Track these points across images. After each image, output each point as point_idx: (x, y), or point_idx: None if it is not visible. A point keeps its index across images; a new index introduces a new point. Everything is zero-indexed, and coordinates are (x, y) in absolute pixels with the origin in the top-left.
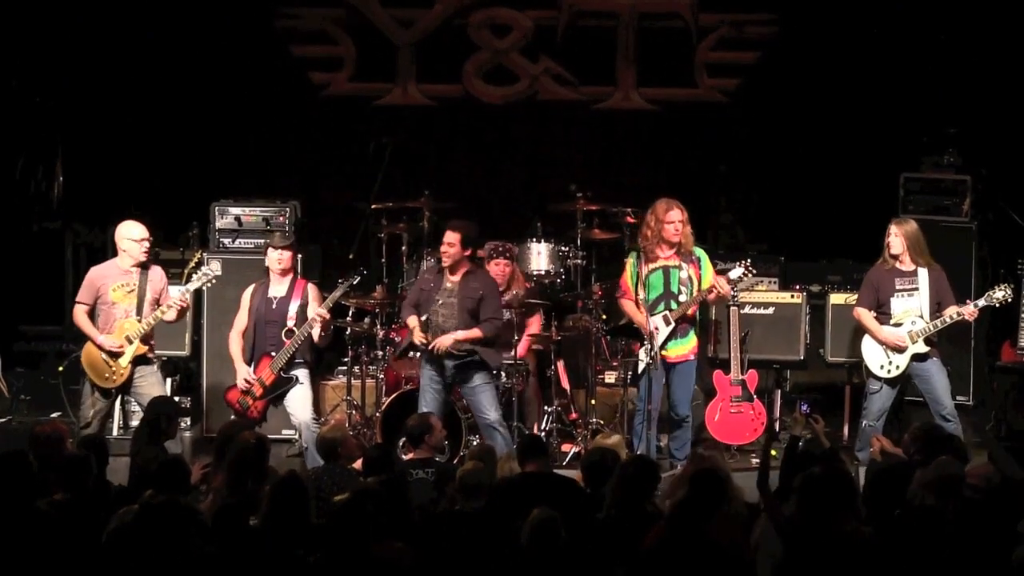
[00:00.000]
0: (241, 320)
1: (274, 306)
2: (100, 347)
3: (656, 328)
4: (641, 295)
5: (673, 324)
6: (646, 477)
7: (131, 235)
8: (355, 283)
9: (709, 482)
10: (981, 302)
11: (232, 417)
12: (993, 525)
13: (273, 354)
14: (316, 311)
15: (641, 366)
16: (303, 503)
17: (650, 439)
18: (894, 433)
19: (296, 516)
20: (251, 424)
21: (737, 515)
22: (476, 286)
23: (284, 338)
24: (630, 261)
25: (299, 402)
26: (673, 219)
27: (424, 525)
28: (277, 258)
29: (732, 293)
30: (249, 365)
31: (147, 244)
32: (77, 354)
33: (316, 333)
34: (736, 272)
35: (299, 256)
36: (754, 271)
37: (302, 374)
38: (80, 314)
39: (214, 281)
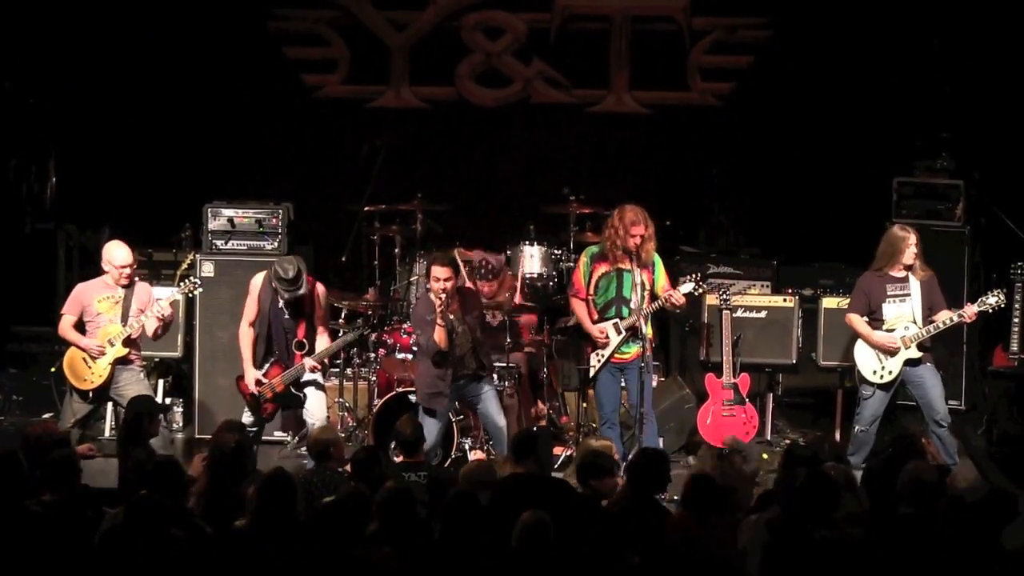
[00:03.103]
0: (250, 310)
1: (286, 316)
2: (83, 348)
3: (606, 335)
4: (591, 295)
5: (624, 333)
6: (656, 468)
7: (112, 259)
8: (358, 337)
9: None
10: (974, 307)
11: (244, 411)
12: (978, 532)
13: (284, 364)
14: (310, 363)
15: (592, 371)
16: (291, 500)
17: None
18: (886, 436)
19: (284, 513)
20: (238, 426)
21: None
22: (472, 302)
23: (295, 349)
24: (584, 259)
25: (316, 404)
26: (637, 233)
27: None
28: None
29: (723, 297)
30: (259, 366)
31: (127, 271)
32: None
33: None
34: (687, 287)
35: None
36: (704, 286)
37: (317, 375)
38: (65, 325)
39: (202, 290)
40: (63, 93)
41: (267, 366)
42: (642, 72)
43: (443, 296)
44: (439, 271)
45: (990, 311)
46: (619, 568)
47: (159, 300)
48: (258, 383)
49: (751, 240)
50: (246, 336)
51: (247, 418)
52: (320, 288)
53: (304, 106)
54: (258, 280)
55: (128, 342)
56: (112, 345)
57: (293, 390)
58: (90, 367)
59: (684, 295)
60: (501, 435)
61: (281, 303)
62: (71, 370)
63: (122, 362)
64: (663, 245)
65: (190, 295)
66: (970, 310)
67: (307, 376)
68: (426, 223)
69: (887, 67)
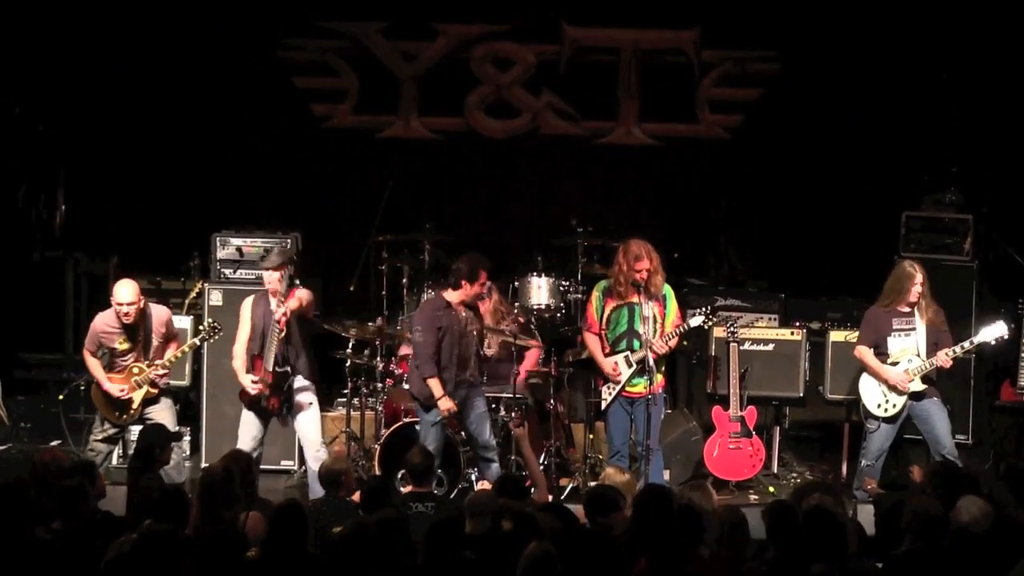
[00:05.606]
0: (244, 332)
1: (276, 319)
2: (105, 391)
3: (618, 370)
4: (603, 330)
5: (635, 365)
6: (660, 506)
7: (117, 297)
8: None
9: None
10: (978, 339)
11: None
12: (987, 564)
13: (262, 356)
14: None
15: (604, 403)
16: (302, 531)
17: (648, 473)
18: (892, 471)
19: (295, 544)
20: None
21: (716, 555)
22: (475, 315)
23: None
24: (596, 294)
25: (310, 424)
26: (641, 268)
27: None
28: (267, 279)
29: (730, 330)
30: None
31: (130, 308)
32: (78, 382)
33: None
34: (696, 320)
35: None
36: (714, 319)
37: (307, 390)
38: (88, 358)
39: (221, 334)
40: (72, 120)
41: (250, 364)
42: (651, 104)
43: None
44: (485, 275)
45: (993, 343)
46: None
47: (157, 362)
48: (254, 383)
49: (759, 273)
50: (240, 358)
51: (249, 442)
52: (301, 292)
53: (313, 136)
54: (248, 302)
55: (154, 384)
56: (139, 387)
57: (278, 369)
58: (119, 409)
59: (692, 327)
60: (490, 460)
61: (274, 306)
62: (102, 406)
63: (151, 399)
64: (670, 277)
65: (210, 340)
66: (942, 357)
67: (300, 397)
68: (434, 253)
69: (896, 101)
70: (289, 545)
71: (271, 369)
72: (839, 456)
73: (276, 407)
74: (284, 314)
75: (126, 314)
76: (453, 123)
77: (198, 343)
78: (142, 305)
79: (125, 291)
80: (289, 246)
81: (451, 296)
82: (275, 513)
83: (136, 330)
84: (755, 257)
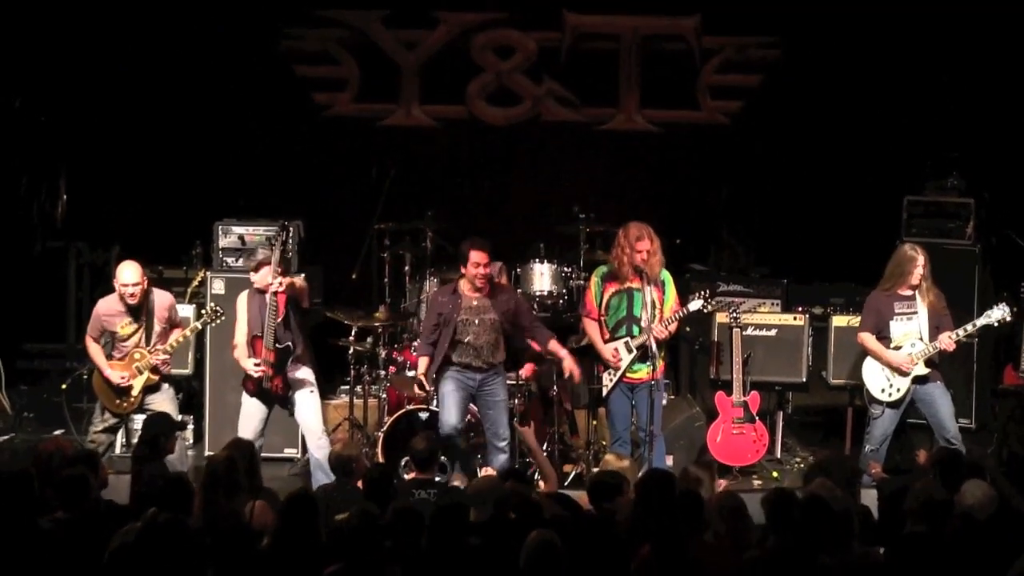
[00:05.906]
0: (242, 325)
1: (273, 290)
2: (106, 378)
3: (618, 356)
4: (603, 315)
5: (635, 351)
6: (663, 489)
7: (121, 278)
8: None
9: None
10: (980, 321)
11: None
12: (990, 550)
13: (261, 336)
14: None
15: (605, 390)
16: (313, 520)
17: (651, 459)
18: (896, 455)
19: (306, 533)
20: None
21: (720, 540)
22: (506, 298)
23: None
24: (595, 280)
25: (311, 413)
26: (642, 248)
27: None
28: (255, 279)
29: (733, 316)
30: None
31: (131, 290)
32: (80, 372)
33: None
34: (695, 304)
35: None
36: (713, 303)
37: (306, 379)
38: (90, 344)
39: (223, 318)
40: (73, 111)
41: (253, 350)
42: (652, 91)
43: (482, 282)
44: (477, 256)
45: (996, 324)
46: None
47: (159, 347)
48: (257, 366)
49: (761, 259)
50: (242, 350)
51: (250, 433)
52: (294, 280)
53: (314, 124)
54: (243, 297)
55: (155, 370)
56: (140, 373)
57: (279, 346)
58: (120, 395)
59: (691, 311)
60: (502, 450)
61: (267, 298)
62: (103, 394)
63: (152, 386)
64: (672, 264)
65: (212, 324)
66: (946, 340)
67: (300, 386)
68: (436, 241)
69: (897, 86)
70: (301, 534)
71: (271, 347)
72: (842, 441)
73: (280, 387)
74: (280, 284)
75: (131, 295)
76: (454, 111)
77: (200, 327)
78: (146, 286)
79: (129, 272)
80: (291, 234)
81: (461, 283)
82: (286, 503)
83: (139, 313)
84: (757, 243)
